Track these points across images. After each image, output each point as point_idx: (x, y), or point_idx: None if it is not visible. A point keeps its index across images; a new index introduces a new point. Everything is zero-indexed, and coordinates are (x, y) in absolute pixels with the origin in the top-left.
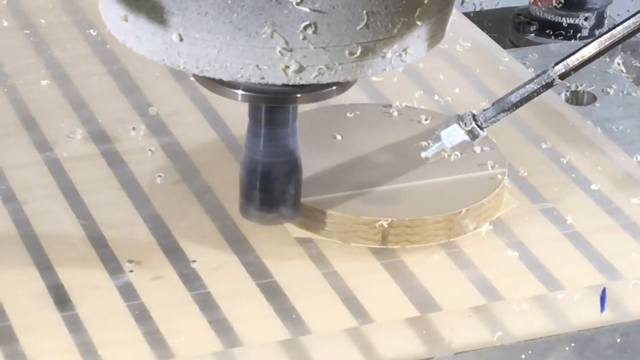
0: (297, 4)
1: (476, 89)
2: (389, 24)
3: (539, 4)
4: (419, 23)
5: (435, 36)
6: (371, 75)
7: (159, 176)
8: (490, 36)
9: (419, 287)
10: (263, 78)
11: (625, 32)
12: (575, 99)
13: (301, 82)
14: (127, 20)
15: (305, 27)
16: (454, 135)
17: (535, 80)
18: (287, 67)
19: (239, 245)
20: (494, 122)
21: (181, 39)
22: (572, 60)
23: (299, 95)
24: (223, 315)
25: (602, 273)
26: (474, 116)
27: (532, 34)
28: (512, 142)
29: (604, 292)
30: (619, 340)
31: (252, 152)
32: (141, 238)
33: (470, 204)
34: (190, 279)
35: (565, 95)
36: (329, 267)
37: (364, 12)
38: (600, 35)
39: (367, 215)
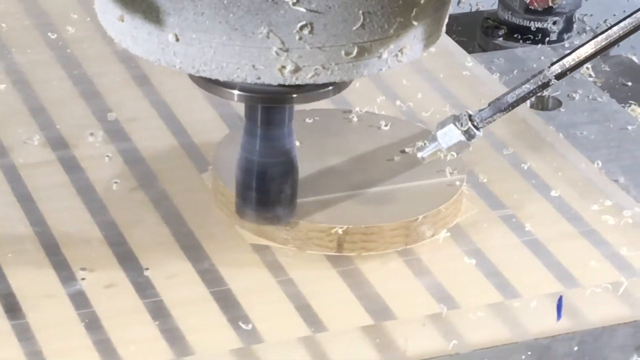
0: (293, 4)
1: (439, 94)
2: (385, 24)
3: (535, 3)
4: (415, 23)
5: (432, 36)
6: (367, 75)
7: (115, 182)
8: (459, 40)
9: (374, 295)
10: (259, 78)
11: (621, 32)
12: (541, 104)
13: (297, 83)
14: (123, 20)
15: (302, 27)
16: (450, 135)
17: (531, 81)
18: (284, 67)
19: (194, 252)
20: (490, 122)
21: (177, 39)
22: (569, 61)
23: (295, 95)
24: (175, 324)
25: (559, 281)
26: (470, 116)
27: (501, 38)
28: (473, 148)
29: (560, 300)
30: (576, 348)
31: (248, 153)
32: (95, 245)
33: (427, 210)
34: (144, 287)
35: (531, 100)
36: (284, 275)
37: (360, 12)
38: (597, 36)
39: (322, 222)
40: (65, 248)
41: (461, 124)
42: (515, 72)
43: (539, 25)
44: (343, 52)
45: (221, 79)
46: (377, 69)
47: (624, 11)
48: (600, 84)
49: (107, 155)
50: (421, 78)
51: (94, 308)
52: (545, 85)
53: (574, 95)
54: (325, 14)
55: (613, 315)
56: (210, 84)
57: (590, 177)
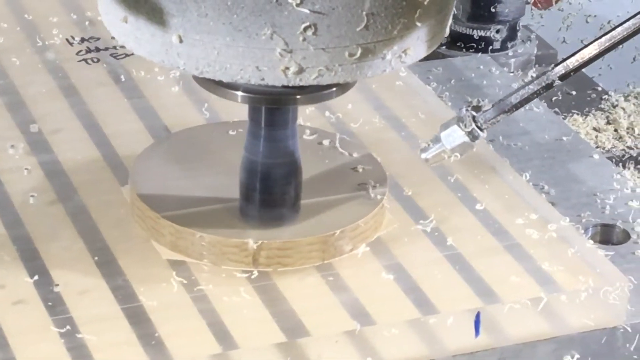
0: (297, 5)
1: (370, 105)
2: (388, 25)
3: (538, 5)
4: (418, 24)
5: (435, 37)
6: (371, 76)
7: (32, 196)
8: None
9: (289, 312)
10: (263, 79)
11: (625, 33)
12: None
13: (301, 84)
14: (126, 22)
15: (305, 29)
16: (453, 136)
17: (535, 82)
18: (287, 68)
19: (108, 268)
20: (494, 123)
21: (181, 41)
22: (572, 62)
23: (298, 96)
24: (83, 342)
25: (479, 296)
26: (473, 117)
27: (444, 47)
28: (400, 160)
29: (477, 316)
30: None
31: (252, 154)
32: (7, 260)
33: (345, 225)
34: (54, 303)
35: (467, 110)
36: (199, 291)
37: (364, 13)
38: (600, 37)
39: (237, 237)
40: None
41: (465, 125)
42: (452, 81)
43: (482, 33)
44: (347, 53)
45: (225, 80)
46: (380, 70)
47: (628, 12)
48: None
49: (25, 168)
50: (353, 88)
51: (0, 325)
52: (549, 86)
53: None
54: (328, 15)
55: (533, 331)
56: (213, 85)
57: (518, 189)
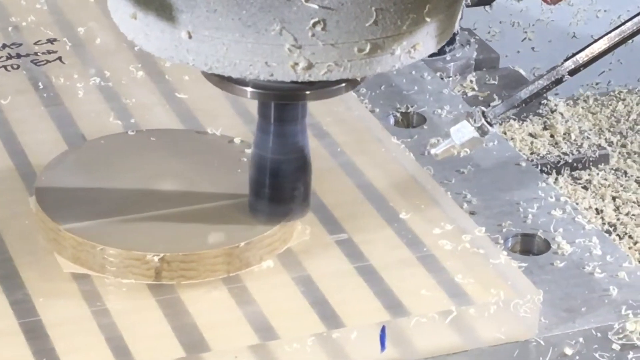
0: (306, 0)
1: None
2: (397, 21)
3: (548, 0)
4: (427, 19)
5: (444, 32)
6: (380, 72)
7: None
8: None
9: (191, 326)
10: (272, 75)
11: (635, 27)
12: (406, 120)
13: (310, 79)
14: (136, 18)
15: (314, 24)
16: (463, 132)
17: (544, 77)
18: (296, 64)
19: (9, 281)
20: (504, 118)
21: (190, 37)
22: (582, 57)
23: (308, 92)
24: None
25: (387, 310)
26: (483, 113)
27: None
28: (318, 169)
29: (383, 330)
30: None
31: (261, 150)
32: None
33: (251, 237)
34: None
35: (395, 116)
36: (101, 305)
37: (373, 8)
38: (610, 32)
39: (138, 250)
40: None
41: (474, 121)
42: (382, 87)
43: None
44: (356, 49)
45: (234, 76)
46: (390, 65)
47: (638, 7)
48: (482, 98)
49: None
50: None
51: None
52: (559, 81)
53: (439, 111)
54: (337, 10)
55: (443, 344)
56: (223, 81)
57: (437, 199)
